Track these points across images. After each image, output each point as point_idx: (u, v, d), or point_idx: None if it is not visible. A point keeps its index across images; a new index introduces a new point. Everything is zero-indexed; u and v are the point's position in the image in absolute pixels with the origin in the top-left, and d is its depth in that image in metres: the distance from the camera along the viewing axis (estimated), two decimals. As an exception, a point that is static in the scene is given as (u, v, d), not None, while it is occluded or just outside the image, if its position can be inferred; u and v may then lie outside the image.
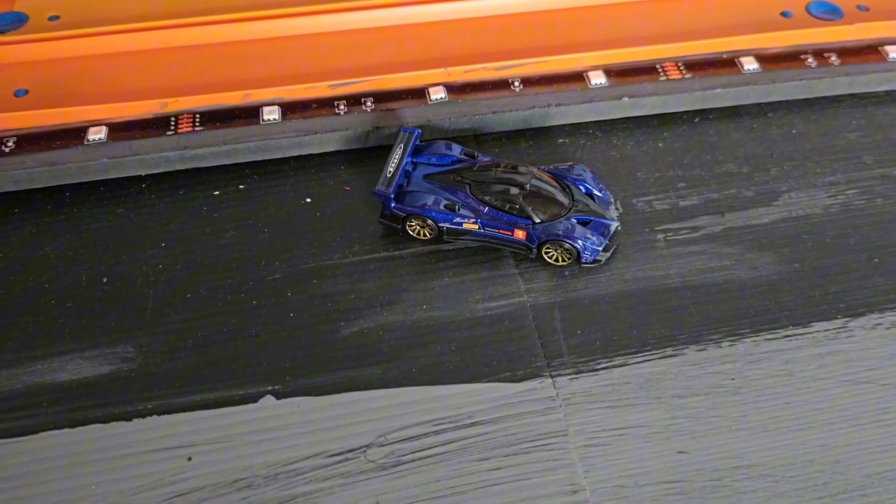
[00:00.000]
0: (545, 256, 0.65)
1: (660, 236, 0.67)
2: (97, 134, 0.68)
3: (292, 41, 0.75)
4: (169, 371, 0.59)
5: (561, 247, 0.64)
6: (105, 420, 0.57)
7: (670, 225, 0.68)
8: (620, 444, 0.57)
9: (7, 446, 0.56)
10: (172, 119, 0.70)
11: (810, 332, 0.62)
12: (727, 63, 0.75)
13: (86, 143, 0.68)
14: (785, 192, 0.70)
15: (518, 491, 0.55)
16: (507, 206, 0.64)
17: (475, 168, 0.66)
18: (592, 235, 0.64)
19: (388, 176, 0.65)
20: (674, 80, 0.74)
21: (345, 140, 0.71)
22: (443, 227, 0.65)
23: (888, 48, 0.77)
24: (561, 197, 0.65)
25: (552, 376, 0.60)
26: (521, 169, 0.65)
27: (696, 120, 0.76)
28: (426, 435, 0.57)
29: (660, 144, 0.74)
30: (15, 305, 0.63)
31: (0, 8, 0.77)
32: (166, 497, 0.54)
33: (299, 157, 0.72)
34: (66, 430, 0.57)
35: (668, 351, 0.61)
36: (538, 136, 0.74)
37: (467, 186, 0.65)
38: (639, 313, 0.63)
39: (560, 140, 0.74)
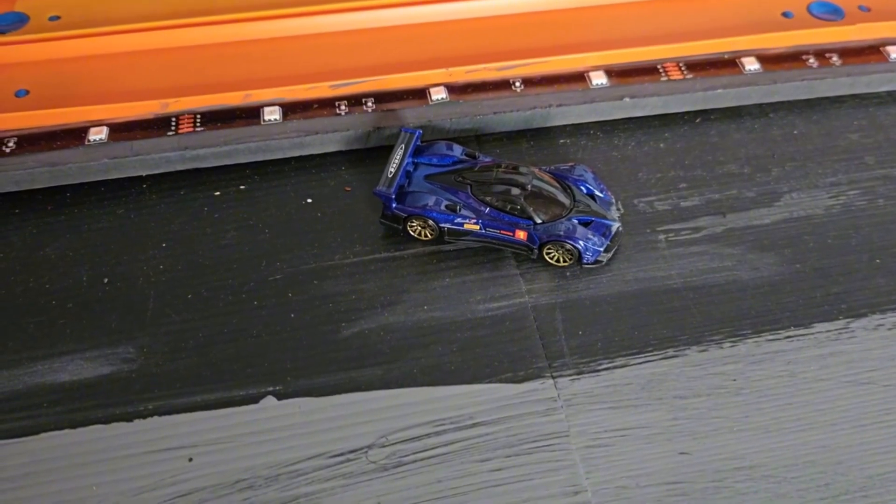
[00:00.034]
0: (546, 257, 0.65)
1: (661, 237, 0.67)
2: (98, 134, 0.68)
3: (293, 41, 0.75)
4: (170, 372, 0.59)
5: (562, 247, 0.64)
6: (106, 421, 0.57)
7: (672, 225, 0.68)
8: (622, 444, 0.57)
9: (8, 447, 0.56)
10: (173, 119, 0.70)
11: (812, 333, 0.62)
12: (728, 63, 0.75)
13: (87, 143, 0.68)
14: (786, 193, 0.70)
15: (520, 492, 0.55)
16: (509, 207, 0.64)
17: (476, 168, 0.66)
18: (594, 236, 0.64)
19: (390, 176, 0.65)
20: (675, 80, 0.74)
21: (346, 140, 0.71)
22: (444, 227, 0.65)
23: (890, 48, 0.77)
24: (562, 197, 0.65)
25: (553, 377, 0.59)
26: (523, 169, 0.65)
27: (698, 120, 0.76)
28: (428, 436, 0.57)
29: (661, 145, 0.74)
30: (15, 306, 0.62)
31: (0, 8, 0.77)
32: (167, 498, 0.54)
33: (300, 157, 0.72)
34: (66, 431, 0.57)
35: (670, 352, 0.61)
36: (539, 136, 0.74)
37: (468, 187, 0.65)
38: (640, 314, 0.63)
39: (561, 140, 0.74)
